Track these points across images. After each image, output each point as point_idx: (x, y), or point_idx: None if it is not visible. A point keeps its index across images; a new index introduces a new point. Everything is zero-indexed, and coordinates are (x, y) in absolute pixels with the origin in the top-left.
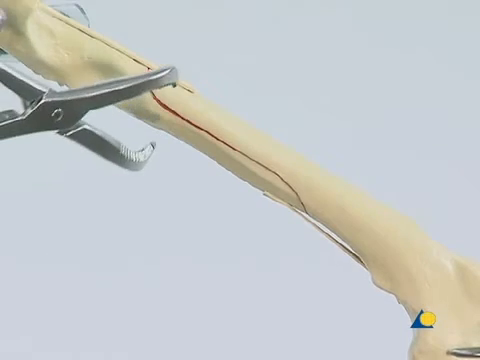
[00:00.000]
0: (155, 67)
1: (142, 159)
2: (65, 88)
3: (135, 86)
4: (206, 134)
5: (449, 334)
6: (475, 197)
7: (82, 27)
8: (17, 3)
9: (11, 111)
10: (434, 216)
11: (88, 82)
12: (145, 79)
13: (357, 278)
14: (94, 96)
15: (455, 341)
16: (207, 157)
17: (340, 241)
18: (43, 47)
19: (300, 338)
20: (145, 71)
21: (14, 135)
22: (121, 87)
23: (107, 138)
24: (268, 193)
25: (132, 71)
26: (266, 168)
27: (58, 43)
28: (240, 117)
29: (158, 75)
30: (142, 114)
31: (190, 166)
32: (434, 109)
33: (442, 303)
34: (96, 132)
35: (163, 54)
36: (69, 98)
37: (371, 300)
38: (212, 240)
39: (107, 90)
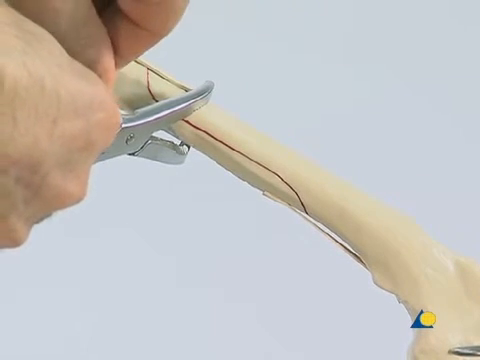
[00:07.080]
0: (153, 66)
1: (186, 152)
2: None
3: (187, 108)
4: (205, 134)
5: (450, 333)
6: (475, 197)
7: None
8: None
9: None
10: (434, 216)
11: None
12: (195, 100)
13: (358, 278)
14: (156, 119)
15: (456, 340)
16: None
17: (340, 241)
18: None
19: (301, 338)
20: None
21: (99, 160)
22: (176, 108)
23: (165, 145)
24: (268, 193)
25: (132, 71)
26: (266, 168)
27: None
28: (239, 117)
29: (206, 94)
30: None
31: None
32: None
33: (443, 302)
34: (156, 143)
35: (162, 54)
36: (138, 123)
37: (372, 300)
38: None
39: (165, 113)
